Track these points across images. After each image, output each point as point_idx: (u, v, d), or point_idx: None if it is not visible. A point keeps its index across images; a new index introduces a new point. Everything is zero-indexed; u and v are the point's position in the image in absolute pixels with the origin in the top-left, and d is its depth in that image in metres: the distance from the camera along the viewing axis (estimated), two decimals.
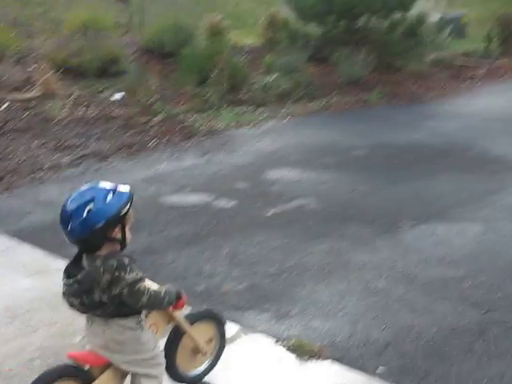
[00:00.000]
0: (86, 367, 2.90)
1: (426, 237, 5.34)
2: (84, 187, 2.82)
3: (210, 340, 3.42)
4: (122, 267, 2.74)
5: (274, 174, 6.78)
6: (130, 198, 2.80)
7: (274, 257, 4.94)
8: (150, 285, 2.90)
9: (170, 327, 3.24)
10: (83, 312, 2.86)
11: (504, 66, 12.85)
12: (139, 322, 2.91)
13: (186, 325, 3.24)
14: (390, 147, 7.68)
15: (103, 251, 2.78)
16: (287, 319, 4.10)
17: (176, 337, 3.27)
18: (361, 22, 11.79)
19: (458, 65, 12.63)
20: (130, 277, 2.75)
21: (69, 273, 2.82)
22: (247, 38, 13.08)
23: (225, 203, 6.00)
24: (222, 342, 3.49)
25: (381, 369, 3.63)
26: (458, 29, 15.99)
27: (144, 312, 2.96)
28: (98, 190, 2.78)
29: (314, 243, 5.20)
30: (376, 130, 8.38)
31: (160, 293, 2.89)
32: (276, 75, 9.87)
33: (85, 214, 2.72)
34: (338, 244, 5.18)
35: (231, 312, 4.11)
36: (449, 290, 4.50)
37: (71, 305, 2.84)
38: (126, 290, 2.75)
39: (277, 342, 3.89)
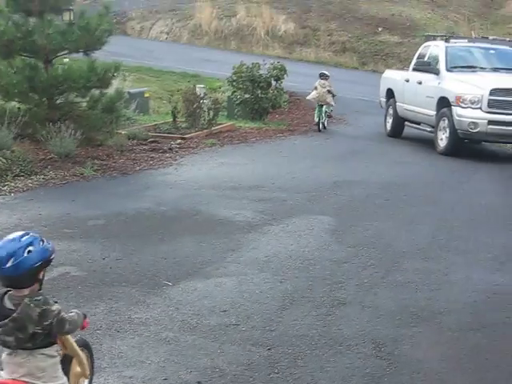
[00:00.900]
0: None
1: (190, 292, 5.88)
2: (17, 233, 3.30)
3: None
4: (46, 302, 3.28)
5: None
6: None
7: None
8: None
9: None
10: (15, 347, 3.26)
11: (194, 138, 13.97)
12: (57, 351, 3.42)
13: (77, 348, 3.66)
14: (123, 216, 8.12)
15: (27, 291, 3.26)
16: (104, 371, 4.35)
17: (66, 362, 3.58)
18: (63, 98, 12.10)
19: (152, 139, 13.42)
20: (54, 308, 3.29)
21: None
22: None
23: None
24: (92, 368, 3.95)
25: None
26: (142, 104, 17.02)
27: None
28: (33, 237, 3.30)
29: (93, 305, 5.48)
30: (103, 201, 8.77)
31: (74, 317, 3.44)
32: None
33: (25, 254, 3.20)
34: (115, 304, 5.50)
35: None
36: (230, 334, 5.07)
37: (4, 344, 3.25)
38: (55, 320, 3.26)
39: None
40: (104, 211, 8.31)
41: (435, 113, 14.26)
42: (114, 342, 4.84)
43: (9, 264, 3.18)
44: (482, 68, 14.76)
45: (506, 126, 13.08)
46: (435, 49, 15.43)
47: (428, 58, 15.42)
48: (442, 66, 14.52)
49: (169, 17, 38.15)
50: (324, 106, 17.12)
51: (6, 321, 3.19)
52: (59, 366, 3.42)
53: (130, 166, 11.09)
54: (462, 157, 13.65)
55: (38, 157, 10.66)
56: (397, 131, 16.64)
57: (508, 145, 15.73)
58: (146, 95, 18.56)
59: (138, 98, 17.32)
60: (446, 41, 15.43)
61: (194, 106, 15.50)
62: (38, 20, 11.70)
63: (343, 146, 14.97)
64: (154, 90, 21.02)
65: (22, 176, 9.68)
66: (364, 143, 15.58)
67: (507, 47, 15.60)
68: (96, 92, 12.28)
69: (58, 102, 12.20)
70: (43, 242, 3.32)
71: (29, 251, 3.23)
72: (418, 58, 15.99)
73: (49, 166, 10.41)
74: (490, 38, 16.59)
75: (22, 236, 3.28)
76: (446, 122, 13.75)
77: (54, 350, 3.39)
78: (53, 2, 11.90)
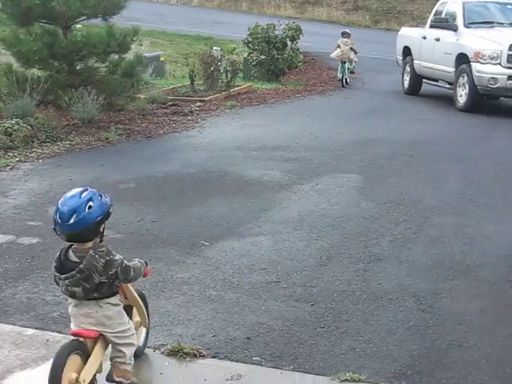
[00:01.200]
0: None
1: (227, 251, 5.96)
2: (77, 190, 3.46)
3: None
4: (110, 252, 3.48)
5: None
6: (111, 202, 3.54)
7: None
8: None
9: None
10: (83, 298, 3.47)
11: (213, 101, 13.99)
12: (120, 300, 3.65)
13: (138, 297, 3.91)
14: (153, 179, 8.20)
15: (90, 244, 3.44)
16: (154, 329, 4.45)
17: (128, 311, 3.78)
18: (82, 64, 12.12)
19: (171, 102, 13.44)
20: (117, 258, 3.50)
21: (60, 269, 3.47)
22: None
23: (28, 241, 6.08)
24: (148, 318, 4.16)
25: (256, 359, 4.16)
26: (158, 68, 17.01)
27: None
28: (92, 192, 3.46)
29: None
30: (131, 165, 8.83)
31: (137, 265, 3.67)
32: (14, 120, 9.87)
33: (86, 210, 3.37)
34: (155, 265, 5.59)
35: None
36: (272, 291, 5.16)
37: (72, 295, 3.47)
38: (119, 269, 3.48)
39: (154, 351, 4.24)
40: (133, 175, 8.38)
41: (454, 69, 14.22)
42: (160, 302, 4.94)
43: (72, 220, 3.34)
44: (499, 23, 14.67)
45: None
46: (452, 5, 15.32)
47: (445, 15, 15.33)
48: (459, 22, 14.45)
49: None
50: (347, 63, 17.86)
51: (74, 272, 3.39)
52: (124, 313, 3.65)
53: (153, 130, 11.14)
54: (481, 113, 13.64)
55: (61, 123, 10.71)
56: (414, 89, 16.60)
57: None
58: (162, 59, 18.52)
59: (154, 62, 17.29)
60: None
61: (212, 68, 15.47)
62: None
63: (362, 104, 14.96)
64: (168, 53, 20.98)
65: (48, 142, 9.75)
66: (382, 101, 15.57)
67: None
68: (115, 57, 12.27)
69: (78, 67, 12.19)
70: (101, 196, 3.48)
71: (89, 206, 3.38)
72: (435, 15, 15.87)
73: (73, 132, 10.47)
74: None
75: (82, 192, 3.43)
76: (466, 78, 13.72)
77: (118, 299, 3.62)
78: None
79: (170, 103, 13.61)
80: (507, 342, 4.47)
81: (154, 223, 6.68)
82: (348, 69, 17.92)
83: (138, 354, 3.98)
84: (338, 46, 18.03)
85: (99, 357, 3.57)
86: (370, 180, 8.40)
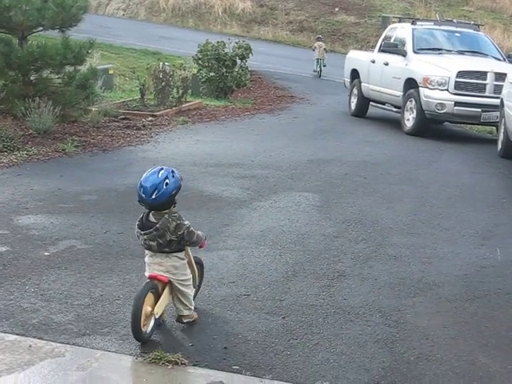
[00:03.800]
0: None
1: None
2: (154, 170, 4.51)
3: None
4: (180, 218, 4.57)
5: (25, 220, 7.00)
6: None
7: (80, 290, 5.37)
8: None
9: None
10: (156, 251, 4.54)
11: (165, 116, 14.11)
12: (185, 255, 4.69)
13: (193, 261, 4.86)
14: (114, 191, 8.28)
15: (166, 210, 4.49)
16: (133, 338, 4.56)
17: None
18: (37, 75, 12.12)
19: (122, 116, 13.50)
20: (186, 223, 4.58)
21: (142, 227, 4.55)
22: None
23: None
24: (201, 283, 5.32)
25: (235, 367, 4.30)
26: (107, 80, 17.03)
27: None
28: (167, 171, 4.49)
29: (106, 277, 5.66)
30: (91, 177, 8.89)
31: (200, 234, 4.72)
32: None
33: (164, 186, 4.41)
34: (126, 276, 5.72)
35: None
36: (243, 304, 5.29)
37: (149, 247, 4.56)
38: (186, 231, 4.54)
39: (137, 358, 4.35)
40: (94, 187, 8.45)
41: (402, 93, 14.62)
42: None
43: (154, 196, 4.39)
44: (447, 50, 15.16)
45: (472, 107, 13.50)
46: (402, 31, 15.79)
47: (394, 40, 15.76)
48: (409, 47, 14.88)
49: None
50: (320, 60, 25.49)
51: (151, 229, 4.45)
52: (187, 266, 4.70)
53: (108, 143, 11.20)
54: (427, 137, 14.07)
55: (17, 133, 10.66)
56: (361, 111, 16.99)
57: (467, 125, 16.21)
58: (111, 72, 18.54)
59: (103, 74, 17.29)
60: (413, 23, 15.79)
61: (163, 83, 15.58)
62: None
63: (311, 125, 15.25)
64: (116, 66, 20.98)
65: (6, 152, 9.72)
66: (331, 122, 15.91)
67: (471, 30, 16.03)
68: (70, 69, 12.30)
69: (33, 78, 12.19)
70: (174, 173, 4.50)
71: (166, 183, 4.41)
72: (384, 40, 16.30)
73: (29, 142, 10.48)
74: (455, 21, 17.00)
75: (159, 171, 4.45)
76: (413, 102, 14.13)
77: (183, 255, 4.65)
78: None
79: (121, 117, 13.67)
80: (471, 356, 4.71)
81: (121, 235, 6.77)
82: (322, 64, 25.15)
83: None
84: (315, 48, 25.48)
85: (167, 298, 4.58)
86: (327, 199, 8.63)
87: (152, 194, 4.37)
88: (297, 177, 9.78)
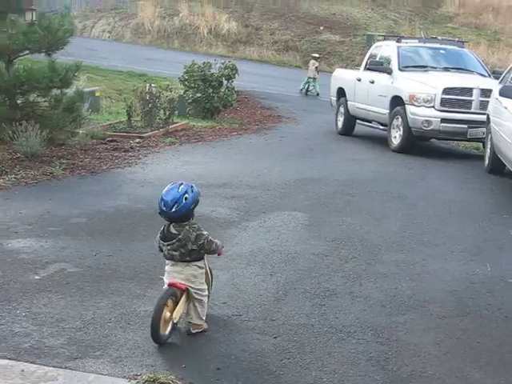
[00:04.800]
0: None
1: None
2: (174, 185, 4.82)
3: None
4: (200, 229, 4.90)
5: (15, 244, 6.99)
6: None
7: (71, 314, 5.36)
8: None
9: None
10: (178, 260, 4.87)
11: (152, 137, 14.14)
12: (204, 264, 5.01)
13: (208, 267, 5.18)
14: (103, 214, 8.27)
15: (186, 222, 4.84)
16: (126, 360, 4.55)
17: None
18: (23, 98, 12.13)
19: (110, 138, 13.52)
20: (205, 233, 4.90)
21: (164, 239, 4.89)
22: None
23: None
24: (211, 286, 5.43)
25: None
26: (93, 103, 17.05)
27: None
28: (187, 186, 4.82)
29: (97, 300, 5.65)
30: (79, 200, 8.89)
31: (218, 243, 5.00)
32: None
33: (184, 201, 4.75)
34: (117, 298, 5.69)
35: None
36: (236, 324, 5.29)
37: (171, 257, 4.90)
38: (206, 241, 4.88)
39: (130, 381, 4.34)
40: (83, 210, 8.44)
41: (388, 111, 14.71)
42: (128, 334, 5.03)
43: (174, 209, 4.72)
44: (433, 67, 15.27)
45: (458, 123, 13.59)
46: (387, 49, 15.90)
47: (380, 58, 15.86)
48: (394, 65, 14.99)
49: (111, 15, 38.04)
50: (310, 78, 26.22)
51: (174, 240, 4.80)
52: (204, 276, 5.01)
53: (96, 165, 11.20)
54: (414, 154, 14.14)
55: (5, 156, 10.66)
56: (348, 129, 17.08)
57: (454, 142, 16.32)
58: (97, 94, 18.58)
59: (90, 97, 17.30)
60: (398, 41, 15.91)
61: (150, 105, 15.61)
62: (1, 20, 11.67)
63: (298, 143, 15.31)
64: (102, 89, 21.02)
65: None
66: (318, 141, 15.98)
67: (456, 47, 16.17)
68: (57, 92, 12.31)
69: (19, 101, 12.20)
70: (193, 188, 4.83)
71: (185, 198, 4.75)
72: (369, 58, 16.41)
73: (17, 166, 10.47)
74: (439, 38, 17.14)
75: (179, 186, 4.77)
76: (400, 120, 14.21)
77: (202, 264, 4.96)
78: (15, 2, 11.87)
79: (108, 139, 13.70)
80: (463, 372, 4.73)
81: (110, 257, 6.76)
82: (311, 83, 26.12)
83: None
84: (309, 66, 26.54)
85: (183, 305, 4.86)
86: (316, 218, 8.65)
87: (172, 208, 4.71)
88: (285, 196, 9.80)
